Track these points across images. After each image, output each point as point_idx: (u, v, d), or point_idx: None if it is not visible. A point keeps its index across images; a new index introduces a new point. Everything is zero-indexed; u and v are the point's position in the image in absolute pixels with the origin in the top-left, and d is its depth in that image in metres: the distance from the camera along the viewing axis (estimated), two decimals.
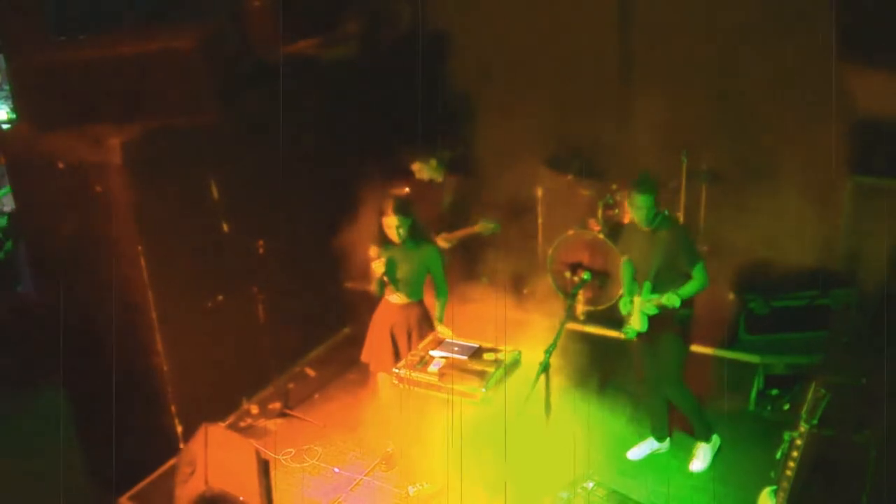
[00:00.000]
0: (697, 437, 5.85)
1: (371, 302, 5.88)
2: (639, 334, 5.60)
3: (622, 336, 5.73)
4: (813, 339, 6.36)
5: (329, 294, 7.43)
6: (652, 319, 5.48)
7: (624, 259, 5.76)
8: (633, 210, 5.41)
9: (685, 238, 5.46)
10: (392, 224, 5.46)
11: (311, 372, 7.21)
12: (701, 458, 5.83)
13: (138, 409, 6.30)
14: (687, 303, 5.41)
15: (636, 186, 5.34)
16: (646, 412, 6.05)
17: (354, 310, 6.76)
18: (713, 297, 6.30)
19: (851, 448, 4.97)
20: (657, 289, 5.41)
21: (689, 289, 5.37)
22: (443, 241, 6.75)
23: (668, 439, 6.01)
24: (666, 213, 5.49)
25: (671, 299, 5.30)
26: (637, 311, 5.50)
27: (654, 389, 5.86)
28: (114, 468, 6.42)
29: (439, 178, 6.81)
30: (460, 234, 6.84)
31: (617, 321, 6.90)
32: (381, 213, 5.49)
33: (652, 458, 5.99)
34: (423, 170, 6.78)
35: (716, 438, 5.88)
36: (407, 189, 6.78)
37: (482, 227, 6.77)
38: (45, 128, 5.90)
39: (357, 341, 6.07)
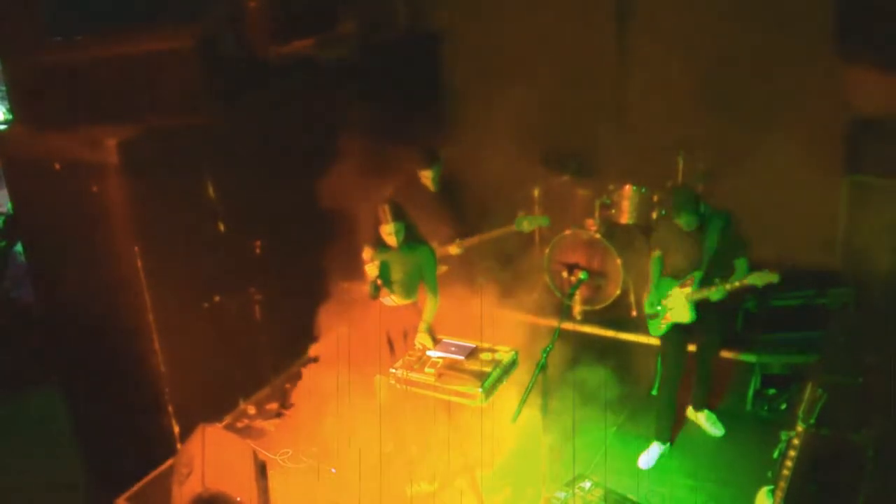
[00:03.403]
0: (701, 405, 6.08)
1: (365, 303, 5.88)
2: (673, 333, 5.70)
3: (649, 334, 5.89)
4: (810, 338, 6.36)
5: (326, 294, 7.42)
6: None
7: (655, 255, 5.81)
8: (677, 222, 5.51)
9: (736, 230, 5.57)
10: (391, 231, 5.45)
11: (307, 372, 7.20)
12: (712, 423, 6.06)
13: (136, 409, 6.30)
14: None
15: (676, 209, 5.45)
16: (655, 414, 6.05)
17: (351, 311, 6.74)
18: None
19: (849, 447, 4.99)
20: (706, 280, 5.51)
21: (741, 276, 5.49)
22: (455, 248, 6.62)
23: (668, 444, 6.02)
24: (710, 207, 5.58)
25: (759, 278, 5.38)
26: (685, 304, 5.56)
27: (668, 391, 5.88)
28: (111, 468, 6.43)
29: (435, 186, 6.70)
30: (482, 237, 6.68)
31: (614, 321, 6.94)
32: (378, 221, 5.46)
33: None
34: (428, 176, 6.54)
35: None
36: (397, 189, 6.73)
37: (519, 223, 6.60)
38: (41, 128, 5.91)
39: (353, 343, 6.06)
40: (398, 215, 5.44)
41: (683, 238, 5.58)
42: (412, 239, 5.57)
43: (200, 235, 6.26)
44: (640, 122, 7.58)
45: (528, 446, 5.47)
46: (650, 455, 5.95)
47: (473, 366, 5.32)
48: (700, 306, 5.58)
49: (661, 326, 5.74)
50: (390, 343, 5.73)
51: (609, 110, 7.86)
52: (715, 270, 5.51)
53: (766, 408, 6.34)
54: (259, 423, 6.61)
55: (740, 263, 5.52)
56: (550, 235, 7.36)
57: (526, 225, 6.62)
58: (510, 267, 7.20)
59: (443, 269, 6.60)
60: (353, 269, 5.99)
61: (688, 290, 5.57)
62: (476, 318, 6.08)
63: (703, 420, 6.11)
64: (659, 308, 5.72)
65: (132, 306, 5.97)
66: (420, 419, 5.71)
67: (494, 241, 6.74)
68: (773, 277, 5.32)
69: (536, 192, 7.51)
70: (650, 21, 7.60)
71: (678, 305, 5.61)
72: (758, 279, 5.35)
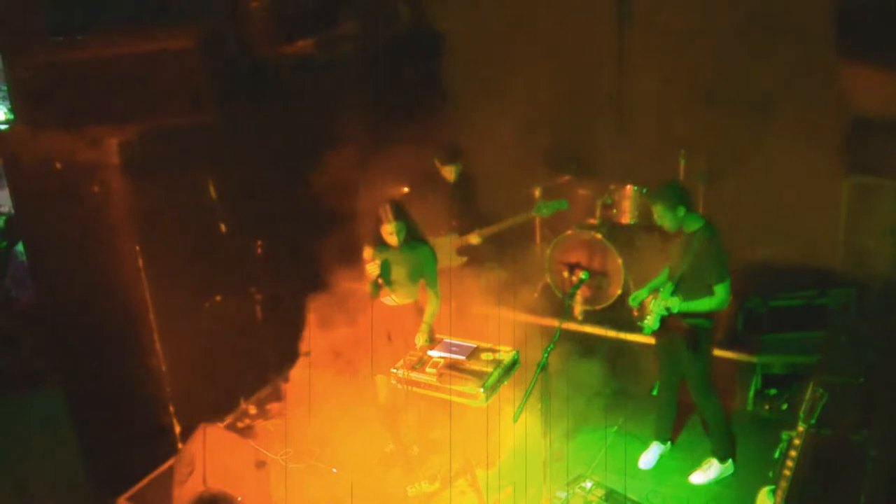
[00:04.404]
0: (714, 453, 5.76)
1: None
2: (662, 338, 5.65)
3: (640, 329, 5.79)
4: (811, 338, 6.36)
5: (327, 294, 7.42)
6: (671, 327, 5.49)
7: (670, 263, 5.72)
8: (655, 213, 5.46)
9: (716, 252, 5.31)
10: (391, 230, 5.45)
11: None
12: (706, 472, 5.74)
13: (137, 409, 6.29)
14: (707, 314, 5.38)
15: (652, 197, 5.42)
16: (655, 414, 6.04)
17: (352, 310, 6.75)
18: None
19: (850, 447, 4.99)
20: (677, 294, 5.41)
21: (704, 303, 5.33)
22: (475, 238, 6.71)
23: (668, 444, 6.01)
24: (706, 221, 5.41)
25: (674, 303, 5.32)
26: (653, 311, 5.52)
27: (667, 393, 5.86)
28: (112, 468, 6.43)
29: (453, 178, 6.77)
30: (503, 225, 6.78)
31: (614, 321, 6.94)
32: (379, 220, 5.47)
33: None
34: (451, 171, 6.65)
35: (731, 464, 5.77)
36: (406, 189, 6.76)
37: (538, 209, 6.75)
38: (42, 128, 5.91)
39: (354, 342, 6.07)
40: (399, 215, 5.43)
41: (675, 247, 5.50)
42: (413, 238, 5.57)
43: (202, 235, 6.26)
44: (641, 122, 7.58)
45: (530, 446, 5.46)
46: (650, 455, 5.95)
47: (474, 366, 5.32)
48: (673, 333, 5.53)
49: (643, 326, 5.70)
50: (391, 343, 5.73)
51: (610, 110, 7.86)
52: (688, 287, 5.37)
53: (767, 408, 6.34)
54: (260, 423, 6.60)
55: (718, 290, 5.28)
56: (552, 236, 7.37)
57: (545, 210, 6.77)
58: (512, 267, 7.21)
59: (462, 259, 6.67)
60: (355, 268, 5.99)
61: (656, 298, 5.54)
62: (477, 318, 6.09)
63: (704, 463, 5.83)
64: (648, 308, 5.67)
65: (133, 305, 5.97)
66: (421, 419, 5.71)
67: (513, 230, 6.86)
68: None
69: (538, 193, 7.51)
70: (651, 22, 7.61)
71: (652, 311, 5.57)
72: (673, 304, 5.34)
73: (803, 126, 6.76)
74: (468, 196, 6.75)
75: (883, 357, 5.60)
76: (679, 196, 5.35)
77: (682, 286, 5.39)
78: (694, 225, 5.37)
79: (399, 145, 6.87)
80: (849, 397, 5.18)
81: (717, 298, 5.31)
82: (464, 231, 6.73)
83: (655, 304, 5.46)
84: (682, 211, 5.32)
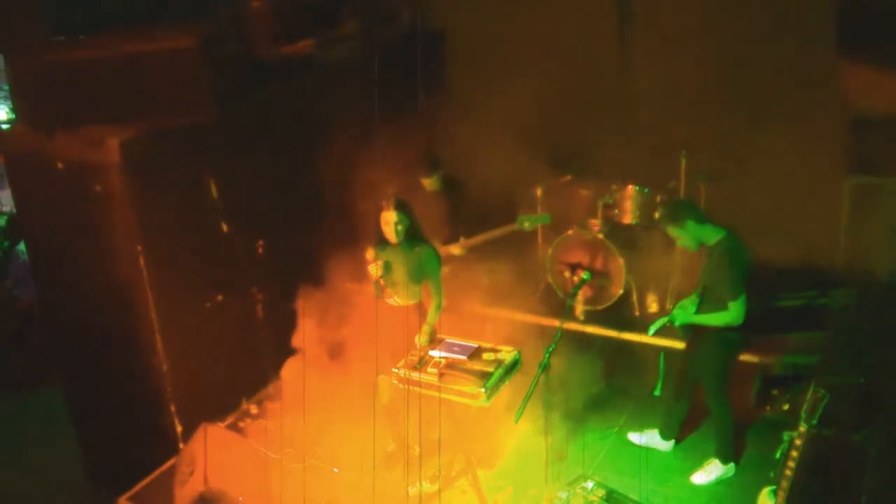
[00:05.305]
0: (717, 453, 5.78)
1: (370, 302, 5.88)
2: (692, 342, 5.70)
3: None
4: (812, 338, 6.37)
5: (328, 294, 7.42)
6: (697, 332, 5.55)
7: None
8: (677, 243, 5.55)
9: (731, 266, 5.27)
10: (391, 220, 5.42)
11: None
12: (707, 473, 5.76)
13: (138, 409, 6.29)
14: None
15: (662, 221, 5.51)
16: (664, 410, 6.07)
17: (353, 310, 6.75)
18: None
19: (851, 448, 5.00)
20: (700, 305, 5.46)
21: (714, 318, 5.35)
22: (458, 249, 6.68)
23: (672, 442, 6.02)
24: (727, 233, 5.38)
25: (678, 316, 5.47)
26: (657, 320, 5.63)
27: (682, 395, 5.88)
28: (113, 468, 6.43)
29: (438, 188, 6.77)
30: (485, 237, 6.76)
31: (616, 321, 6.95)
32: (380, 209, 5.46)
33: (651, 458, 5.99)
34: (432, 183, 6.73)
35: (732, 466, 5.78)
36: (399, 187, 6.75)
37: (521, 222, 6.73)
38: (44, 128, 5.90)
39: (355, 342, 6.07)
40: (400, 206, 5.42)
41: (706, 258, 5.52)
42: (414, 237, 5.56)
43: (203, 235, 6.25)
44: (642, 122, 7.58)
45: (531, 446, 5.47)
46: (642, 437, 5.98)
47: (476, 366, 5.32)
48: (698, 338, 5.59)
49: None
50: (392, 343, 5.73)
51: (611, 110, 7.86)
52: (708, 299, 5.41)
53: (767, 408, 6.34)
54: (261, 423, 6.60)
55: (731, 306, 5.25)
56: (553, 235, 7.37)
57: (528, 223, 6.69)
58: (513, 267, 7.21)
59: (444, 269, 6.64)
60: (358, 268, 6.00)
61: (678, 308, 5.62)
62: (479, 318, 6.09)
63: (706, 464, 5.85)
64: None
65: (134, 305, 5.97)
66: (422, 419, 5.71)
67: (497, 240, 6.78)
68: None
69: (539, 192, 7.52)
70: (652, 21, 7.61)
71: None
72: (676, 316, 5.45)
73: (803, 126, 6.76)
74: (454, 205, 6.71)
75: (883, 357, 5.60)
76: (682, 210, 5.41)
77: (704, 298, 5.44)
78: (714, 237, 5.38)
79: (398, 145, 6.87)
80: (850, 397, 5.19)
81: (728, 315, 5.29)
82: (447, 240, 6.69)
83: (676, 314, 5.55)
84: (690, 225, 5.33)
